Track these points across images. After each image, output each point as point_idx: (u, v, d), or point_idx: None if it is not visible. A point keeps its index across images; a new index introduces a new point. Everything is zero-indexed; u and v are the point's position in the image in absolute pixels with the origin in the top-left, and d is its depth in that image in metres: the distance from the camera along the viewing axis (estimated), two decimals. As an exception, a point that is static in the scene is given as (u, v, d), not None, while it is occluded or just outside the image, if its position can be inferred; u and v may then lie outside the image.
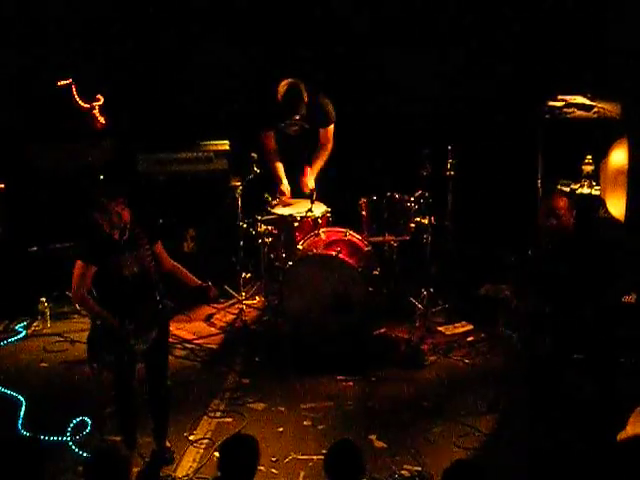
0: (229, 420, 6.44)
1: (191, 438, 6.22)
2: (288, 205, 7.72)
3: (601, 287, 5.71)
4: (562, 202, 5.90)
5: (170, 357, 7.20)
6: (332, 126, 7.76)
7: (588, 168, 7.32)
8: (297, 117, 7.58)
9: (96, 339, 5.76)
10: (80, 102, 8.43)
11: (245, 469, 4.60)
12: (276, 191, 7.81)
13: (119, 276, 5.70)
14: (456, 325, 7.64)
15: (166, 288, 5.91)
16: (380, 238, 7.56)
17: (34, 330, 7.78)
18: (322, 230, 7.46)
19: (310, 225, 7.57)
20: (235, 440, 4.85)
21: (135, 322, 5.70)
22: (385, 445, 6.10)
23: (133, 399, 5.98)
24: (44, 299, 7.81)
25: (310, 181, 7.69)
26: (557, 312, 5.77)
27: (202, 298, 6.20)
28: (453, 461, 4.57)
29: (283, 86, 7.48)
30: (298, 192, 7.82)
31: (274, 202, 7.70)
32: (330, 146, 7.79)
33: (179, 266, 6.06)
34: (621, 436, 5.17)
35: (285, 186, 7.79)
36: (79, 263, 5.70)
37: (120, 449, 4.91)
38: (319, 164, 7.78)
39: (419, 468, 5.83)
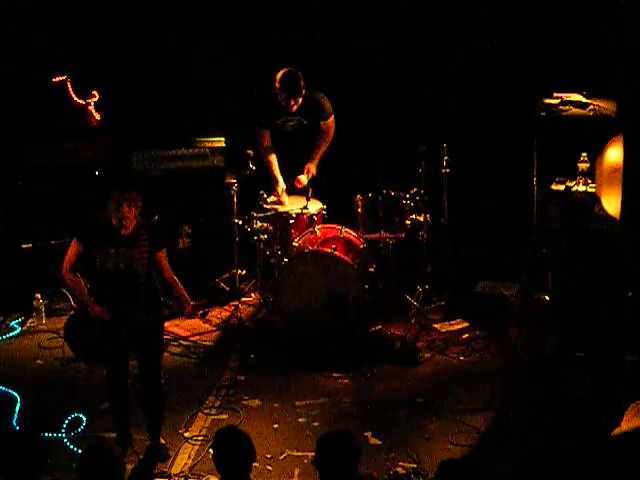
0: (224, 417, 6.44)
1: (186, 435, 6.22)
2: (284, 202, 7.73)
3: (616, 286, 5.72)
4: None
5: (165, 354, 7.25)
6: (332, 118, 7.78)
7: (583, 166, 7.32)
8: (297, 100, 7.54)
9: (75, 324, 6.04)
10: (75, 98, 8.42)
11: (240, 458, 4.59)
12: (272, 189, 7.80)
13: (102, 267, 5.76)
14: (451, 322, 7.65)
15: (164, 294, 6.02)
16: (376, 235, 7.57)
17: (29, 327, 7.77)
18: (317, 227, 7.46)
19: (305, 222, 7.57)
20: (228, 430, 4.84)
21: (114, 315, 5.77)
22: (380, 442, 6.10)
23: (126, 396, 6.00)
24: (39, 295, 7.81)
25: (312, 168, 7.70)
26: (568, 311, 5.78)
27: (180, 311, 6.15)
28: (442, 461, 4.54)
29: (280, 73, 7.51)
30: (294, 190, 7.82)
31: (270, 199, 7.71)
32: (331, 134, 7.81)
33: (177, 280, 5.98)
34: (616, 433, 5.17)
35: (281, 186, 7.78)
36: (73, 241, 5.85)
37: (113, 446, 4.91)
38: (321, 152, 7.80)
39: (414, 465, 5.83)
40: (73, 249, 5.83)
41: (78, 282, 5.86)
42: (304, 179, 7.69)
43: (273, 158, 7.83)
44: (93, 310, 5.78)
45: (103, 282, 5.80)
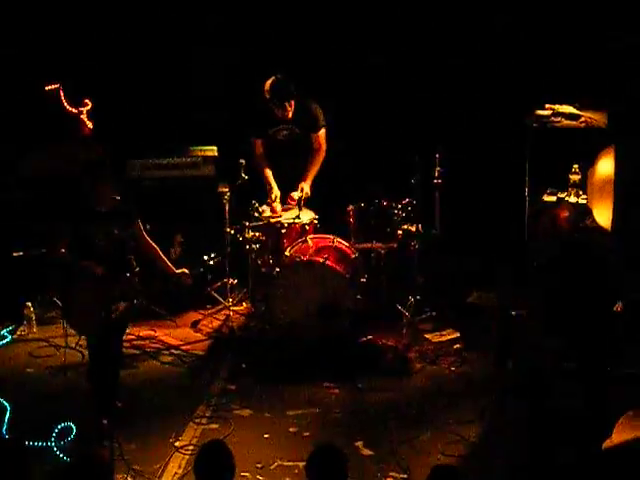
0: (215, 426, 6.42)
1: (176, 444, 6.19)
2: (276, 212, 7.73)
3: (594, 296, 5.75)
4: (564, 214, 5.98)
5: (156, 363, 7.29)
6: (323, 131, 7.78)
7: (575, 177, 7.35)
8: (288, 107, 7.55)
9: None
10: (68, 107, 8.41)
11: (220, 476, 4.58)
12: (265, 197, 7.80)
13: (91, 243, 6.16)
14: (443, 333, 7.65)
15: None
16: (367, 245, 7.57)
17: (20, 335, 7.75)
18: (309, 237, 7.46)
19: (297, 232, 7.57)
20: (207, 448, 4.82)
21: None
22: (371, 452, 6.09)
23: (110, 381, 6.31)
24: (30, 304, 7.78)
25: (306, 187, 7.68)
26: (553, 321, 5.80)
27: (177, 285, 6.47)
28: (432, 467, 4.57)
29: (268, 82, 7.52)
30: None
31: (262, 208, 7.70)
32: (323, 151, 7.80)
33: (156, 248, 6.46)
34: (606, 445, 5.18)
35: (275, 192, 7.79)
36: (59, 226, 6.27)
37: (102, 455, 4.88)
38: (314, 171, 7.78)
39: (405, 476, 5.82)
40: (63, 235, 6.19)
41: (69, 254, 6.18)
42: (296, 196, 7.68)
43: (267, 167, 7.83)
44: (98, 269, 6.12)
45: (92, 257, 6.16)
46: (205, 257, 6.56)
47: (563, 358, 5.80)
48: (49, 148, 8.23)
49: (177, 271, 6.40)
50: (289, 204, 7.76)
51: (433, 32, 8.50)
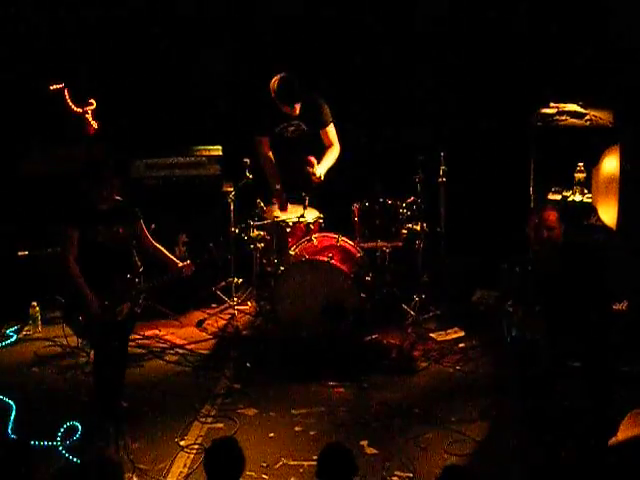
0: (220, 425, 6.43)
1: (182, 443, 6.20)
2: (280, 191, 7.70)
3: (593, 295, 5.75)
4: (553, 215, 5.97)
5: (161, 362, 7.30)
6: (331, 126, 7.74)
7: (580, 175, 7.35)
8: (295, 106, 7.53)
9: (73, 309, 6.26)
10: (73, 106, 8.41)
11: (229, 472, 4.59)
12: (269, 196, 7.78)
13: (94, 242, 6.14)
14: (448, 331, 7.64)
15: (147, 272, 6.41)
16: (372, 244, 7.57)
17: (25, 335, 7.75)
18: (314, 236, 7.46)
19: (302, 231, 7.57)
20: (218, 444, 4.83)
21: (108, 292, 6.13)
22: (376, 451, 6.09)
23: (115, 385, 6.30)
24: (35, 303, 7.79)
25: (318, 170, 7.56)
26: (552, 320, 5.80)
27: (179, 275, 6.52)
28: (444, 466, 4.57)
29: (275, 80, 7.49)
30: (292, 198, 7.80)
31: (267, 207, 7.70)
32: (337, 147, 7.74)
33: (160, 247, 6.50)
34: (612, 442, 5.18)
35: (279, 185, 7.75)
36: (65, 227, 6.18)
37: (112, 456, 4.90)
38: (328, 160, 7.66)
39: (410, 474, 5.82)
40: (71, 236, 6.14)
41: (76, 271, 6.15)
42: (319, 171, 7.52)
43: (273, 165, 7.80)
44: (95, 311, 6.10)
45: (94, 256, 6.16)
46: (211, 244, 6.59)
47: (567, 357, 5.80)
48: (50, 148, 8.23)
49: (181, 264, 6.45)
50: (313, 180, 7.58)
51: (437, 30, 8.49)
